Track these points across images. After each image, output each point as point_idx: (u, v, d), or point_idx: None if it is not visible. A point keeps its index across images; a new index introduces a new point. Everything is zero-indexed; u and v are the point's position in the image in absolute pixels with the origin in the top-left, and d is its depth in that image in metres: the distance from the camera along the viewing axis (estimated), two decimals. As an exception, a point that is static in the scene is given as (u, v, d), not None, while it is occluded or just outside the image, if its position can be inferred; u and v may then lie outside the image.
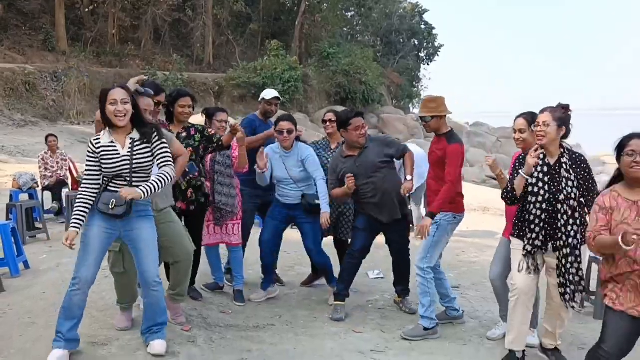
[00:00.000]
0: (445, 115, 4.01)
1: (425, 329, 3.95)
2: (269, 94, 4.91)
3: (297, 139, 4.53)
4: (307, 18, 31.40)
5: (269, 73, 25.41)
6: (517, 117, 3.75)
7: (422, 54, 43.06)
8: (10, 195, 7.80)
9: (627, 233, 2.45)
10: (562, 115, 3.29)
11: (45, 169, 8.12)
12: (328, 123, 4.85)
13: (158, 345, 3.35)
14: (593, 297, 4.59)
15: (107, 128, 3.22)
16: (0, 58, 20.70)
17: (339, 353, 3.68)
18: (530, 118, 3.66)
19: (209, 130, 4.23)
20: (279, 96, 4.99)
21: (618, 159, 2.75)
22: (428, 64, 43.52)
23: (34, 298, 4.35)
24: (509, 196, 3.42)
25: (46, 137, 8.45)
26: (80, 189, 3.22)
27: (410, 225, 7.72)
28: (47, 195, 8.05)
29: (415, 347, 3.82)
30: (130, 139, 3.23)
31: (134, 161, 3.19)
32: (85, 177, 3.21)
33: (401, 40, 41.43)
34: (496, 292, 3.96)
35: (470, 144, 26.29)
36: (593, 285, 4.53)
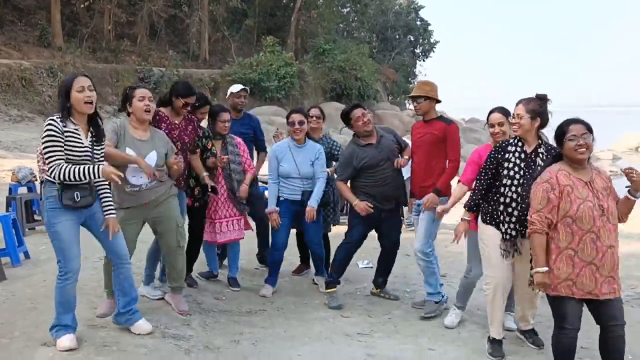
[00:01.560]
0: (436, 101, 4.19)
1: (436, 302, 4.27)
2: (235, 88, 5.20)
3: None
4: (302, 14, 31.51)
5: (264, 69, 25.51)
6: (491, 112, 3.92)
7: (417, 50, 43.26)
8: (10, 189, 7.94)
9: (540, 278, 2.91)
10: (536, 107, 3.43)
11: (44, 163, 8.25)
12: (314, 118, 4.88)
13: (144, 324, 3.57)
14: None
15: (68, 116, 3.20)
16: (-4, 54, 20.78)
17: (327, 336, 3.87)
18: (505, 112, 3.85)
19: (209, 143, 4.42)
20: (245, 87, 5.22)
21: (560, 145, 2.98)
22: (424, 60, 43.81)
23: (35, 285, 4.52)
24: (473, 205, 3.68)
25: (44, 132, 8.57)
26: (61, 168, 3.09)
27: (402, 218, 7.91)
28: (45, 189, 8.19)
29: (400, 330, 4.02)
30: (90, 132, 3.30)
31: (95, 154, 3.29)
32: (57, 154, 3.09)
33: (397, 37, 41.60)
34: (471, 287, 4.09)
35: (466, 140, 26.39)
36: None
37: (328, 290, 4.50)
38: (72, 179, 3.13)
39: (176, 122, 4.15)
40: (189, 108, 4.15)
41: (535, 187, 3.01)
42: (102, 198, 3.42)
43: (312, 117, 4.91)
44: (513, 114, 3.49)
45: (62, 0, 23.65)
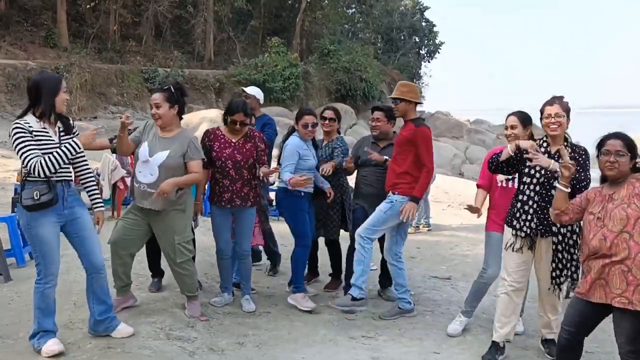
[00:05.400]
0: (414, 103, 4.15)
1: (400, 308, 4.32)
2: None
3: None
4: (307, 15, 31.51)
5: (269, 70, 25.52)
6: (509, 115, 3.92)
7: (422, 52, 43.18)
8: (15, 189, 7.96)
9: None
10: (568, 106, 3.42)
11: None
12: (328, 121, 4.76)
13: (125, 328, 3.54)
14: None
15: (34, 116, 3.20)
16: (2, 54, 20.83)
17: (331, 338, 3.86)
18: (521, 116, 3.85)
19: None
20: (244, 88, 5.27)
21: (598, 157, 2.94)
22: (429, 62, 43.69)
23: (40, 286, 4.52)
24: (494, 164, 3.58)
25: (49, 133, 8.60)
26: (42, 161, 3.07)
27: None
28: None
29: (404, 334, 4.00)
30: (58, 128, 3.31)
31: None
32: (32, 149, 3.08)
33: (402, 38, 41.53)
34: (483, 290, 4.02)
35: (471, 141, 26.40)
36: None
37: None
38: (58, 165, 3.13)
39: (233, 140, 4.15)
40: (237, 126, 4.10)
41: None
42: (89, 193, 3.48)
43: (325, 119, 4.77)
44: (549, 114, 3.39)
45: (68, 1, 23.72)
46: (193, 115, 16.18)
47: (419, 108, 4.56)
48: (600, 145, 2.92)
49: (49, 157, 3.12)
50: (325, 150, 4.80)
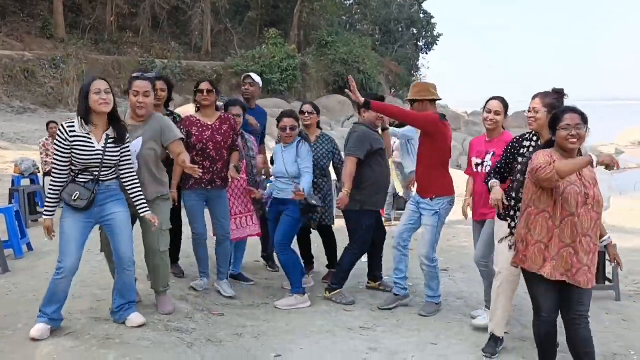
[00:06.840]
0: (429, 101, 4.13)
1: (437, 304, 4.28)
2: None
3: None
4: (305, 6, 31.32)
5: (267, 61, 25.43)
6: (492, 98, 3.92)
7: (420, 43, 43.00)
8: (13, 181, 7.96)
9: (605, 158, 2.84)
10: (553, 101, 3.39)
11: (47, 155, 8.27)
12: (306, 114, 4.78)
13: (136, 318, 3.54)
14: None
15: (82, 120, 3.32)
16: (-1, 45, 20.76)
17: (329, 329, 3.88)
18: (504, 102, 3.89)
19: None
20: (249, 74, 5.20)
21: (553, 132, 2.96)
22: (427, 53, 43.50)
23: (37, 278, 4.52)
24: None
25: (47, 124, 8.59)
26: (51, 178, 3.34)
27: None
28: (49, 180, 8.22)
29: (402, 324, 4.02)
30: (106, 135, 3.36)
31: (105, 157, 3.33)
32: (57, 165, 3.31)
33: (400, 29, 41.35)
34: (482, 275, 4.05)
35: (469, 133, 26.35)
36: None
37: (336, 293, 4.44)
38: (46, 192, 3.41)
39: (209, 123, 4.24)
40: (204, 94, 4.22)
41: (536, 154, 2.99)
42: (132, 197, 3.48)
43: (306, 112, 4.80)
44: (529, 108, 3.43)
45: (65, -8, 23.58)
46: (191, 106, 16.13)
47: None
48: (557, 120, 2.94)
49: (51, 187, 3.34)
50: (322, 148, 4.74)
